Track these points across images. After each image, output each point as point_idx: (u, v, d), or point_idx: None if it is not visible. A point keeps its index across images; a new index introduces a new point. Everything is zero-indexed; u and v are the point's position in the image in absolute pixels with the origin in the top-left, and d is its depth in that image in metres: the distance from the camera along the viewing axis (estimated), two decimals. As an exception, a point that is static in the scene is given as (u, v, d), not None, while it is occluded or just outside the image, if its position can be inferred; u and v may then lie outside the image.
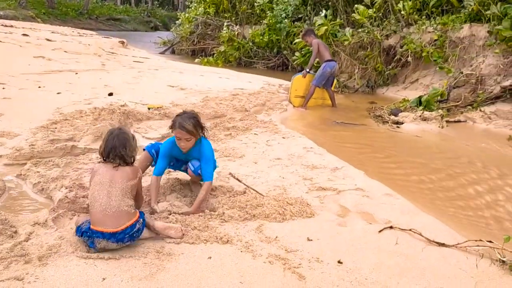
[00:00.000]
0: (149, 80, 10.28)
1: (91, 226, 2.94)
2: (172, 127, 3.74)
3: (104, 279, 2.67)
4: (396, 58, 11.83)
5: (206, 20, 20.09)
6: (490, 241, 3.31)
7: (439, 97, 9.21)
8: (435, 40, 11.03)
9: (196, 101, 8.33)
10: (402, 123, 7.85)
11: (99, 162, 3.25)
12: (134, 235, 3.00)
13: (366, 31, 12.05)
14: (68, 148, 5.03)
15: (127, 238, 2.97)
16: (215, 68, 14.62)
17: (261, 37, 16.20)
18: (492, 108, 8.82)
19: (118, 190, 2.99)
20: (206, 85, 10.15)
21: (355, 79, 12.08)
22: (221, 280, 2.74)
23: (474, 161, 5.82)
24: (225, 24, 18.34)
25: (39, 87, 8.32)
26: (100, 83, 9.23)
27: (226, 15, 19.45)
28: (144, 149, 4.03)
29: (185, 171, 4.08)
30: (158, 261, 2.93)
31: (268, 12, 16.39)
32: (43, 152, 4.85)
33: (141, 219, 3.07)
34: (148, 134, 5.97)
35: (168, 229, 3.19)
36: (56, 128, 5.76)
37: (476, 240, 3.33)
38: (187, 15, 20.98)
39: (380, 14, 12.46)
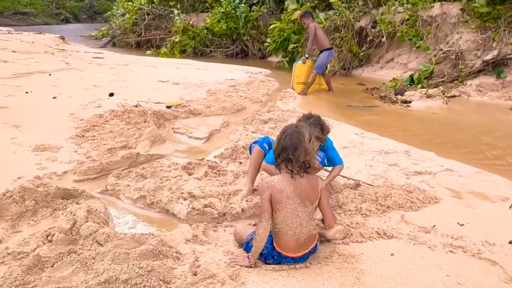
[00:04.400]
0: (135, 77, 9.74)
1: (280, 251, 2.73)
2: None
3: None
4: (369, 39, 12.12)
5: (152, 10, 19.27)
6: None
7: (427, 74, 9.63)
8: (407, 19, 11.44)
9: (202, 95, 8.05)
10: (410, 101, 8.12)
11: (280, 170, 2.85)
12: (314, 250, 2.85)
13: (338, 13, 12.21)
14: (133, 157, 4.66)
15: (310, 255, 2.83)
16: (180, 60, 14.16)
17: (219, 25, 15.85)
18: (476, 82, 9.39)
19: (307, 215, 2.73)
20: (194, 78, 9.84)
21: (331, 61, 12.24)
22: (426, 275, 2.71)
23: (509, 132, 6.18)
24: (176, 12, 17.75)
25: (27, 92, 7.57)
26: (86, 83, 8.60)
27: (171, 3, 18.82)
28: (254, 143, 3.79)
29: None
30: (348, 264, 2.83)
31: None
32: (111, 163, 4.45)
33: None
34: (194, 133, 5.68)
35: (336, 233, 3.07)
36: (94, 136, 5.32)
37: None
38: (129, 4, 19.99)
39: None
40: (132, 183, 4.01)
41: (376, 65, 12.16)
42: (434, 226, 3.31)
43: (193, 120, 6.32)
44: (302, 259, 2.78)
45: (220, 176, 4.24)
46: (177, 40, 16.67)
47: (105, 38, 22.67)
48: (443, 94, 8.32)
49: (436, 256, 2.92)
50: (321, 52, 9.02)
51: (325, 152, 3.67)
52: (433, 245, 3.06)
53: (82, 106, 6.71)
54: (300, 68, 8.94)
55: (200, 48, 17.15)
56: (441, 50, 10.32)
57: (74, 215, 3.10)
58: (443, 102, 8.15)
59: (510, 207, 3.64)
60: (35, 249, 2.89)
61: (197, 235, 3.13)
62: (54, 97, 7.28)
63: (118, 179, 4.10)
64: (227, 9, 15.86)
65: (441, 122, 6.82)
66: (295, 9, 12.19)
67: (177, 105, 6.93)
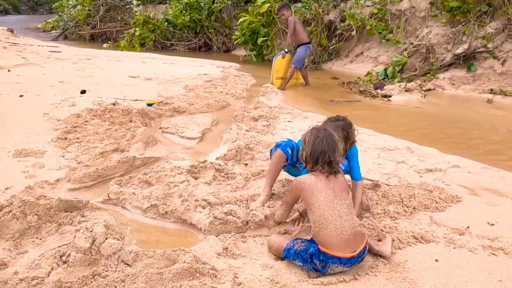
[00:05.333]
0: (102, 72, 9.23)
1: (324, 250, 2.55)
2: None
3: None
4: (338, 32, 12.11)
5: (107, 1, 18.47)
6: None
7: (400, 67, 9.72)
8: (376, 13, 11.51)
9: (180, 91, 7.73)
10: (390, 96, 8.14)
11: (308, 171, 2.80)
12: (363, 255, 2.69)
13: (306, 6, 12.11)
14: (130, 161, 4.33)
15: (358, 261, 2.66)
16: (144, 54, 13.64)
17: (182, 18, 15.38)
18: (447, 75, 9.56)
19: (345, 208, 2.62)
20: (166, 73, 9.47)
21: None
22: (478, 282, 2.61)
23: (497, 126, 6.28)
24: (134, 3, 17.10)
25: (-12, 90, 6.96)
26: (51, 79, 8.06)
27: (127, -6, 18.20)
28: (276, 147, 3.56)
29: None
30: (396, 273, 2.68)
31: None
32: (107, 168, 4.10)
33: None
34: (185, 133, 5.37)
35: (391, 248, 2.91)
36: (78, 138, 4.93)
37: None
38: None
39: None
40: (137, 190, 3.69)
41: (346, 59, 12.18)
42: (468, 227, 3.22)
43: (180, 118, 5.99)
44: (350, 261, 2.57)
45: (229, 179, 3.99)
46: (137, 33, 16.04)
47: (55, 31, 21.56)
48: (421, 88, 8.39)
49: (481, 260, 2.83)
50: (298, 46, 8.86)
51: (348, 160, 3.47)
52: (473, 248, 2.97)
53: (55, 105, 6.23)
54: (279, 63, 8.75)
55: (160, 41, 16.60)
56: (412, 43, 10.44)
57: (91, 231, 2.76)
58: (421, 96, 8.22)
59: (531, 204, 3.61)
60: (49, 272, 2.56)
61: (227, 248, 2.89)
62: (20, 95, 6.73)
63: (121, 186, 3.76)
64: (191, 0, 15.41)
65: (428, 117, 6.85)
66: (264, 2, 11.96)
67: (158, 102, 6.57)
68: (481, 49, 9.42)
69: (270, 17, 12.28)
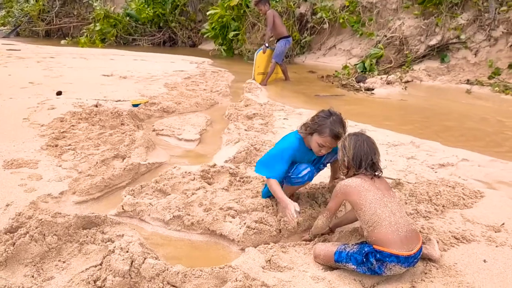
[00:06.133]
0: (72, 71, 8.75)
1: (381, 248, 2.44)
2: (318, 132, 3.00)
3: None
4: (309, 26, 12.05)
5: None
6: None
7: (375, 59, 9.78)
8: (347, 6, 11.53)
9: (161, 89, 7.42)
10: (373, 89, 8.15)
11: (352, 176, 2.70)
12: (419, 255, 2.59)
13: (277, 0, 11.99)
14: (136, 168, 4.05)
15: (414, 262, 2.56)
16: (110, 50, 13.09)
17: (146, 12, 14.88)
18: (422, 66, 9.72)
19: (397, 205, 2.56)
20: (141, 70, 9.11)
21: (275, 49, 12.01)
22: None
23: (486, 117, 6.39)
24: (93, -3, 16.40)
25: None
26: (19, 81, 7.56)
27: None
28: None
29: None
30: (451, 278, 2.60)
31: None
32: (114, 177, 3.82)
33: None
34: (182, 135, 5.12)
35: (438, 252, 2.83)
36: (70, 145, 4.58)
37: None
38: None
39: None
40: (154, 200, 3.44)
41: (318, 52, 12.16)
42: (503, 224, 3.19)
43: (172, 119, 5.72)
44: (408, 261, 2.46)
45: (245, 184, 3.80)
46: (97, 28, 15.37)
47: (4, 27, 20.34)
48: (401, 80, 8.46)
49: (529, 259, 2.79)
50: (278, 40, 8.72)
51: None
52: (516, 245, 2.94)
53: (33, 108, 5.82)
54: (261, 58, 8.58)
55: (123, 36, 16.01)
56: (385, 36, 10.53)
57: (127, 251, 2.52)
58: (402, 88, 8.29)
59: (551, 196, 3.64)
60: (86, 301, 2.30)
61: (270, 260, 2.72)
62: (-9, 98, 6.23)
63: (134, 197, 3.50)
64: (154, -7, 14.94)
65: (417, 110, 6.89)
66: (235, -5, 11.72)
67: (144, 102, 6.26)
68: (454, 40, 9.61)
69: (241, 11, 12.05)
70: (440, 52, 9.71)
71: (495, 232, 3.13)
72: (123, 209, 3.39)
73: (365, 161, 2.63)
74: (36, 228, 2.73)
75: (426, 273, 2.64)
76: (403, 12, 10.67)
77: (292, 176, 3.18)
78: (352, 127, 5.35)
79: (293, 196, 3.48)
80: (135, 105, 6.16)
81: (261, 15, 11.53)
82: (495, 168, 4.33)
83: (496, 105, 7.25)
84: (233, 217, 3.18)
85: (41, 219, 2.77)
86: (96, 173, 3.89)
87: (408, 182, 3.85)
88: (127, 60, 10.67)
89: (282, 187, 3.28)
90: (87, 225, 3.00)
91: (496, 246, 2.94)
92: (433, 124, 6.00)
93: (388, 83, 8.28)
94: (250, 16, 12.08)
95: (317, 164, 3.43)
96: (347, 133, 2.81)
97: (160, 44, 16.06)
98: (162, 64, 10.20)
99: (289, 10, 11.91)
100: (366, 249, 2.49)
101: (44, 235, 2.73)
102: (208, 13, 12.26)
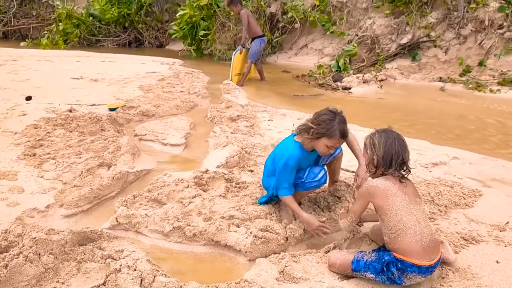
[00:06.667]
0: (39, 75, 8.34)
1: (402, 257, 2.36)
2: (327, 135, 2.88)
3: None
4: (280, 25, 11.99)
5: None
6: None
7: (349, 58, 9.84)
8: (317, 5, 11.53)
9: (136, 92, 7.16)
10: (350, 88, 8.16)
11: (379, 175, 2.57)
12: (438, 264, 2.53)
13: (247, -1, 11.87)
14: (124, 177, 3.84)
15: (433, 271, 2.50)
16: (75, 52, 12.52)
17: (111, 12, 14.43)
18: (394, 65, 9.82)
19: (422, 213, 2.46)
20: (111, 72, 8.78)
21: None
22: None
23: (464, 114, 6.49)
24: (53, -4, 15.79)
25: None
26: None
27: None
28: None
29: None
30: (469, 281, 2.56)
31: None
32: (102, 187, 3.61)
33: None
34: (167, 140, 4.92)
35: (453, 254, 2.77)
36: (49, 153, 4.32)
37: None
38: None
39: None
40: (150, 211, 3.25)
41: (290, 52, 12.12)
42: (507, 222, 3.19)
43: (154, 123, 5.51)
44: (428, 270, 2.40)
45: (242, 190, 3.66)
46: (60, 28, 14.79)
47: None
48: (376, 79, 8.51)
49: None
50: (253, 40, 8.60)
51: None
52: (525, 245, 2.93)
53: (2, 115, 5.49)
54: (237, 59, 8.43)
55: (86, 37, 15.48)
56: (357, 35, 10.59)
57: (135, 269, 2.34)
58: (378, 87, 8.34)
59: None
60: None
61: (283, 271, 2.61)
62: (-45, 105, 5.83)
63: (128, 208, 3.30)
64: (119, -7, 14.51)
65: (396, 108, 6.93)
66: (204, -5, 11.51)
67: (122, 106, 6.00)
68: (424, 39, 9.76)
69: (211, 10, 11.85)
70: (411, 50, 9.84)
71: (501, 231, 3.12)
72: (117, 221, 3.18)
73: (396, 160, 2.49)
74: (31, 247, 2.51)
75: (443, 278, 2.59)
76: (374, 11, 10.77)
77: (307, 181, 3.07)
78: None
79: (298, 201, 3.36)
80: (112, 109, 5.90)
81: (232, 14, 11.42)
82: (486, 165, 4.36)
83: (471, 102, 7.39)
84: (238, 226, 3.04)
85: (35, 238, 2.55)
86: (83, 184, 3.66)
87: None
88: (95, 62, 10.28)
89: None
90: (83, 241, 2.80)
91: (505, 246, 2.92)
92: (417, 122, 6.04)
93: (365, 82, 8.32)
94: (220, 16, 11.89)
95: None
96: (374, 130, 2.66)
97: (126, 45, 15.63)
98: (132, 65, 9.88)
99: (260, 9, 11.81)
100: (386, 258, 2.41)
101: (40, 254, 2.52)
102: (177, 14, 11.97)
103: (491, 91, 7.96)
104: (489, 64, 8.79)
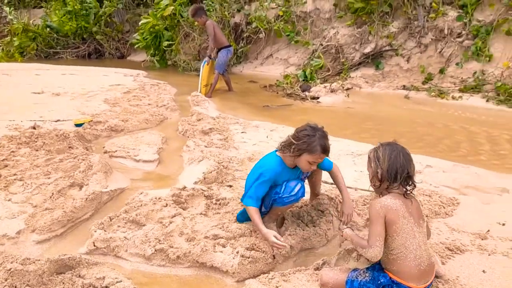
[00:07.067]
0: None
1: (400, 280, 2.35)
2: (308, 150, 2.83)
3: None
4: (245, 35, 11.99)
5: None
6: None
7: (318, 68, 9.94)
8: (281, 16, 11.60)
9: (101, 106, 6.95)
10: (318, 97, 8.21)
11: (383, 190, 2.51)
12: (431, 285, 2.52)
13: (211, 9, 11.80)
14: (98, 197, 3.68)
15: None
16: (33, 65, 12.09)
17: (70, 24, 14.03)
18: (358, 74, 9.99)
19: (423, 236, 2.42)
20: (73, 86, 8.50)
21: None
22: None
23: (431, 121, 6.64)
24: (8, 10, 15.22)
25: None
26: None
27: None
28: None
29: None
30: (461, 291, 2.57)
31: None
32: (76, 210, 3.44)
33: None
34: (139, 156, 4.77)
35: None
36: (15, 174, 4.09)
37: None
38: None
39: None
40: (128, 233, 3.11)
41: (255, 62, 12.12)
42: (488, 231, 3.24)
43: (124, 139, 5.34)
44: None
45: (223, 206, 3.57)
46: (15, 43, 14.25)
47: None
48: (343, 88, 8.62)
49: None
50: (219, 50, 8.54)
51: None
52: (505, 252, 3.00)
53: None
54: (205, 70, 8.34)
55: (44, 49, 14.98)
56: (321, 44, 10.71)
57: (122, 300, 2.21)
58: (345, 96, 8.44)
59: (519, 198, 3.79)
60: None
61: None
62: None
63: (105, 231, 3.15)
64: (75, 6, 14.10)
65: (366, 117, 7.01)
66: (167, 5, 11.35)
67: (88, 121, 5.80)
68: (387, 48, 9.97)
69: (174, 20, 11.71)
70: (374, 59, 10.02)
71: (482, 239, 3.17)
72: (94, 246, 3.03)
73: (401, 174, 2.42)
74: (6, 280, 2.35)
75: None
76: (337, 21, 10.93)
77: (284, 196, 3.00)
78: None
79: (278, 216, 3.30)
80: (78, 125, 5.69)
81: (196, 25, 11.34)
82: (459, 173, 4.45)
83: (435, 109, 7.57)
84: (224, 246, 2.95)
85: (10, 269, 2.39)
86: (55, 206, 3.48)
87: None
88: (55, 75, 9.94)
89: (271, 209, 3.12)
90: (60, 269, 2.65)
91: (489, 255, 2.96)
92: (387, 131, 6.12)
93: (332, 91, 8.40)
94: (184, 26, 11.77)
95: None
96: (378, 143, 2.63)
97: (86, 57, 15.24)
98: (95, 78, 9.61)
99: (224, 20, 11.78)
100: (382, 280, 2.38)
101: (16, 287, 2.33)
102: (140, 22, 11.76)
103: (453, 98, 8.20)
104: (449, 72, 9.06)
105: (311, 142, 2.83)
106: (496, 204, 3.74)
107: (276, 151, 3.07)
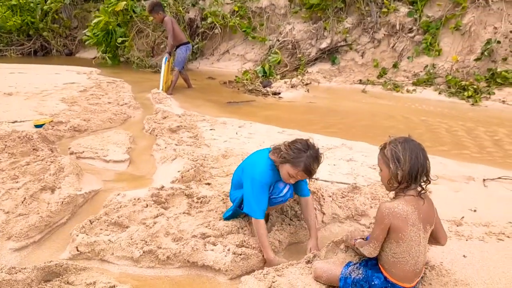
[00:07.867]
0: None
1: (395, 281, 2.40)
2: (291, 162, 2.81)
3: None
4: (200, 31, 11.89)
5: None
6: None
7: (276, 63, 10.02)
8: (236, 11, 11.59)
9: (59, 106, 6.70)
10: (280, 93, 8.29)
11: (403, 189, 2.36)
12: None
13: (164, 4, 11.58)
14: (74, 200, 3.55)
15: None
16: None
17: (14, 20, 13.34)
18: (315, 69, 10.18)
19: (426, 242, 2.45)
20: (25, 85, 8.15)
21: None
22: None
23: (391, 114, 6.87)
24: None
25: None
26: None
27: None
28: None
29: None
30: (445, 277, 2.67)
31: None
32: (52, 214, 3.31)
33: None
34: (109, 156, 4.64)
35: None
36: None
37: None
38: None
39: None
40: (113, 236, 3.03)
41: (212, 58, 12.06)
42: (462, 217, 3.41)
43: (90, 139, 5.16)
44: None
45: (205, 204, 3.55)
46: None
47: None
48: (303, 83, 8.74)
49: (497, 248, 3.02)
50: (177, 47, 8.42)
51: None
52: (481, 237, 3.16)
53: None
54: (166, 68, 8.19)
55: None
56: (278, 40, 10.80)
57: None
58: (305, 91, 8.57)
59: (484, 184, 4.03)
60: None
61: (271, 287, 2.55)
62: None
63: (87, 234, 3.04)
64: (20, 1, 13.42)
65: (330, 111, 7.15)
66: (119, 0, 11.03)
67: (49, 122, 5.56)
68: (342, 43, 10.21)
69: (127, 16, 11.40)
70: (330, 54, 10.24)
71: (458, 226, 3.33)
72: (77, 250, 2.92)
73: (421, 174, 2.30)
74: (-7, 292, 2.21)
75: (422, 277, 2.68)
76: (292, 17, 11.05)
77: (272, 197, 3.01)
78: (280, 133, 5.36)
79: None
80: (39, 126, 5.45)
81: (150, 20, 11.11)
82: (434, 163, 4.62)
83: (393, 103, 7.84)
84: (214, 244, 2.93)
85: (-3, 280, 2.25)
86: (28, 211, 3.32)
87: (362, 186, 3.93)
88: (3, 74, 9.44)
89: None
90: (48, 276, 2.55)
91: (466, 240, 3.12)
92: (352, 125, 6.27)
93: (292, 86, 8.50)
94: (138, 22, 11.50)
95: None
96: (392, 139, 2.40)
97: (31, 54, 14.55)
98: (46, 76, 9.21)
99: (179, 15, 11.61)
100: (376, 282, 2.42)
101: (4, 299, 2.22)
102: (92, 22, 11.36)
103: (407, 91, 8.53)
104: (402, 66, 9.41)
105: (297, 156, 2.81)
106: (465, 192, 3.94)
107: (268, 150, 3.05)
